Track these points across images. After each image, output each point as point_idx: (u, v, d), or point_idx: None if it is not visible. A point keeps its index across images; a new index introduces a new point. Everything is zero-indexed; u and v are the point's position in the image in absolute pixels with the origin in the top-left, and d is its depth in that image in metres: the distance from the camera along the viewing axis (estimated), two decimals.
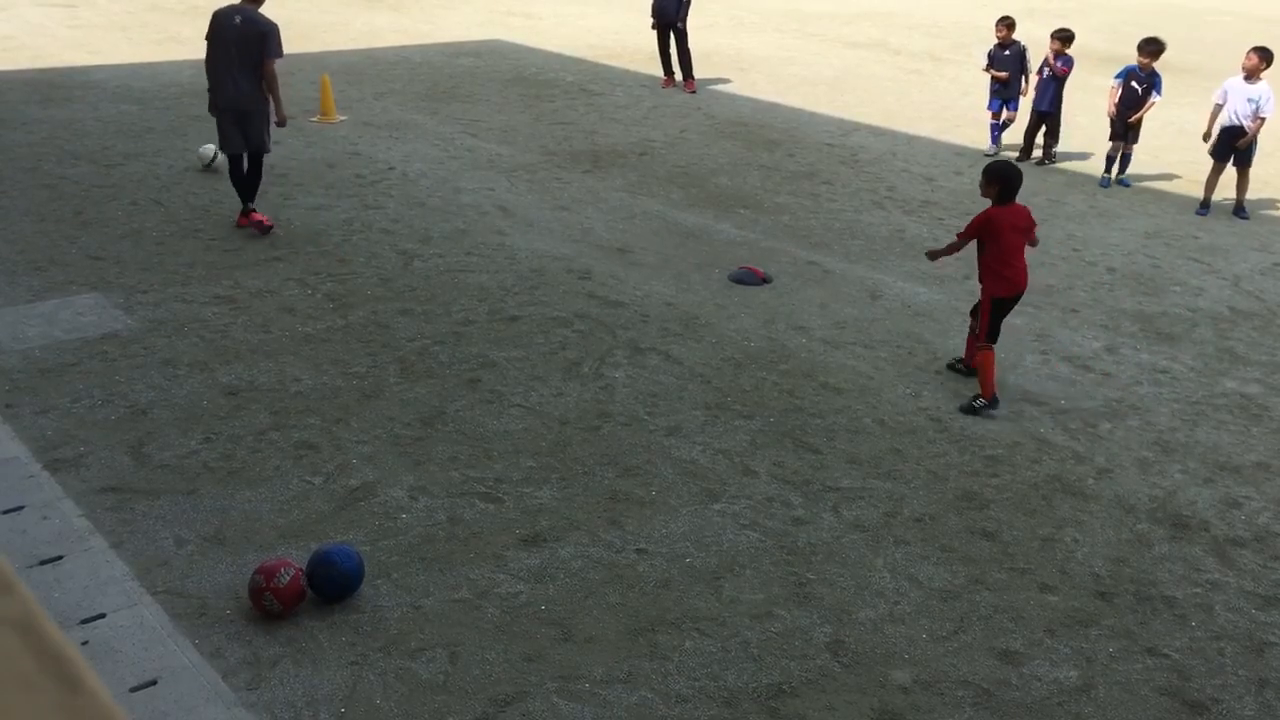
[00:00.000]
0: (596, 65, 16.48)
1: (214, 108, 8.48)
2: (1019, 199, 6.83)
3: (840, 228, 9.88)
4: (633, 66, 16.48)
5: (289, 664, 4.30)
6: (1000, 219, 6.73)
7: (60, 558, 4.78)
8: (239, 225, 8.92)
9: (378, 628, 4.54)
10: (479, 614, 4.64)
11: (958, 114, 14.43)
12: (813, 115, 14.11)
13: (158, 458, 5.67)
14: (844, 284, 8.56)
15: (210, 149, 10.12)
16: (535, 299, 7.91)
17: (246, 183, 8.75)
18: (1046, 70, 12.06)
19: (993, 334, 6.78)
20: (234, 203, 9.42)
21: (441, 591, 4.77)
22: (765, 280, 8.46)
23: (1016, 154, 12.65)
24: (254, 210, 8.89)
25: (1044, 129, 12.33)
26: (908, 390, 6.87)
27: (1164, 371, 7.40)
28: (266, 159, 8.96)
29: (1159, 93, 11.44)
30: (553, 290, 8.08)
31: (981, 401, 6.70)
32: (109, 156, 10.75)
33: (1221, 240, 10.18)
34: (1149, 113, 11.52)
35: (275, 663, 4.31)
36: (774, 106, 14.49)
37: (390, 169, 10.82)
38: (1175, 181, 11.86)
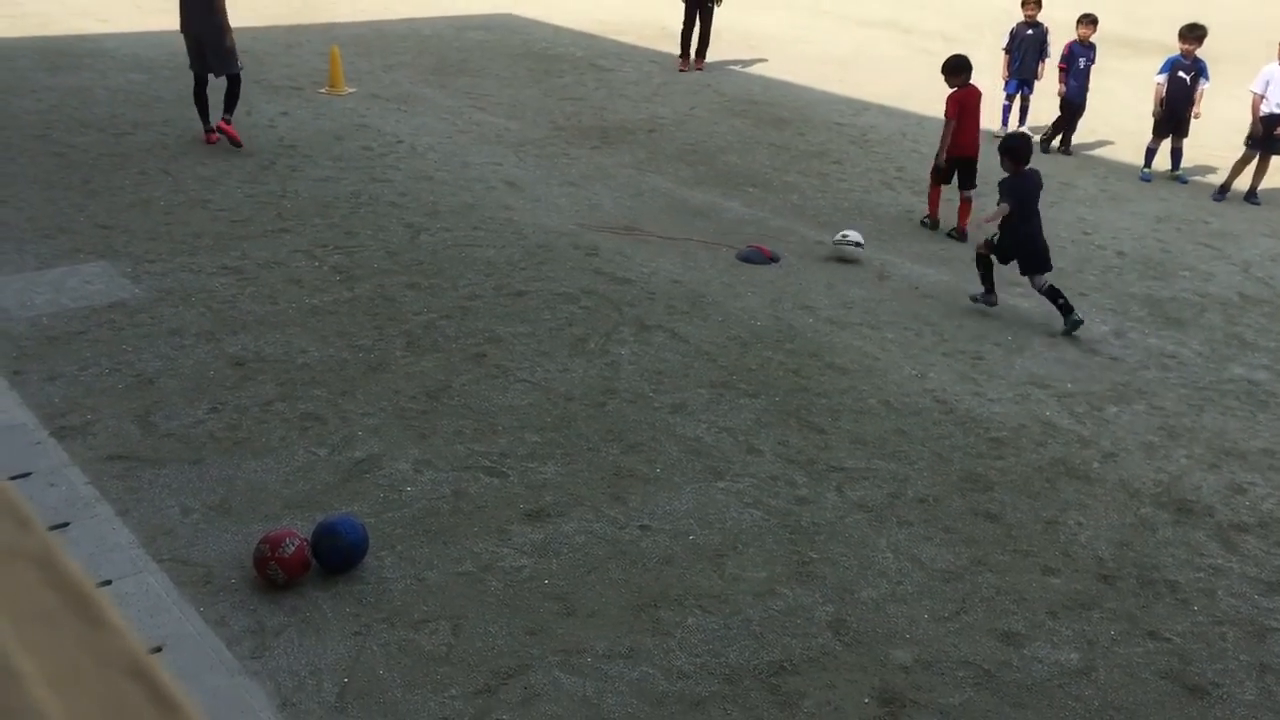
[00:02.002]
0: (606, 41, 16.40)
1: (185, 37, 9.96)
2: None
3: (849, 207, 9.85)
4: (642, 43, 16.41)
5: (293, 633, 4.33)
6: (969, 97, 9.27)
7: (67, 524, 4.80)
8: (208, 142, 10.18)
9: (381, 599, 4.55)
10: (482, 587, 4.66)
11: None
12: (823, 94, 14.04)
13: (164, 427, 5.68)
14: (851, 264, 8.53)
15: (852, 243, 8.53)
16: (542, 275, 7.90)
17: (226, 97, 10.08)
18: (1083, 61, 11.67)
19: (937, 176, 9.38)
20: (240, 175, 9.58)
21: (445, 564, 4.78)
22: (773, 259, 8.44)
23: (1038, 138, 12.56)
24: (228, 121, 10.11)
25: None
26: (914, 371, 6.86)
27: (1172, 356, 7.38)
28: (245, 82, 10.44)
29: (1207, 79, 11.10)
30: (559, 266, 8.07)
31: (926, 218, 9.47)
32: (118, 125, 10.73)
33: (1233, 226, 10.14)
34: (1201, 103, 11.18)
35: (279, 632, 4.33)
36: (784, 85, 14.41)
37: (398, 142, 10.79)
38: (1186, 165, 11.78)
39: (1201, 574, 5.14)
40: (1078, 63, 11.75)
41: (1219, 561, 5.24)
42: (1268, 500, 5.79)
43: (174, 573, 4.60)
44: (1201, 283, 8.72)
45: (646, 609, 4.61)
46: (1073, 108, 11.96)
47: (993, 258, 7.74)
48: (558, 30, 16.93)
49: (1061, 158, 11.96)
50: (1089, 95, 11.99)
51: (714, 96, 13.50)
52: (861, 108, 13.44)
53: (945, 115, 9.30)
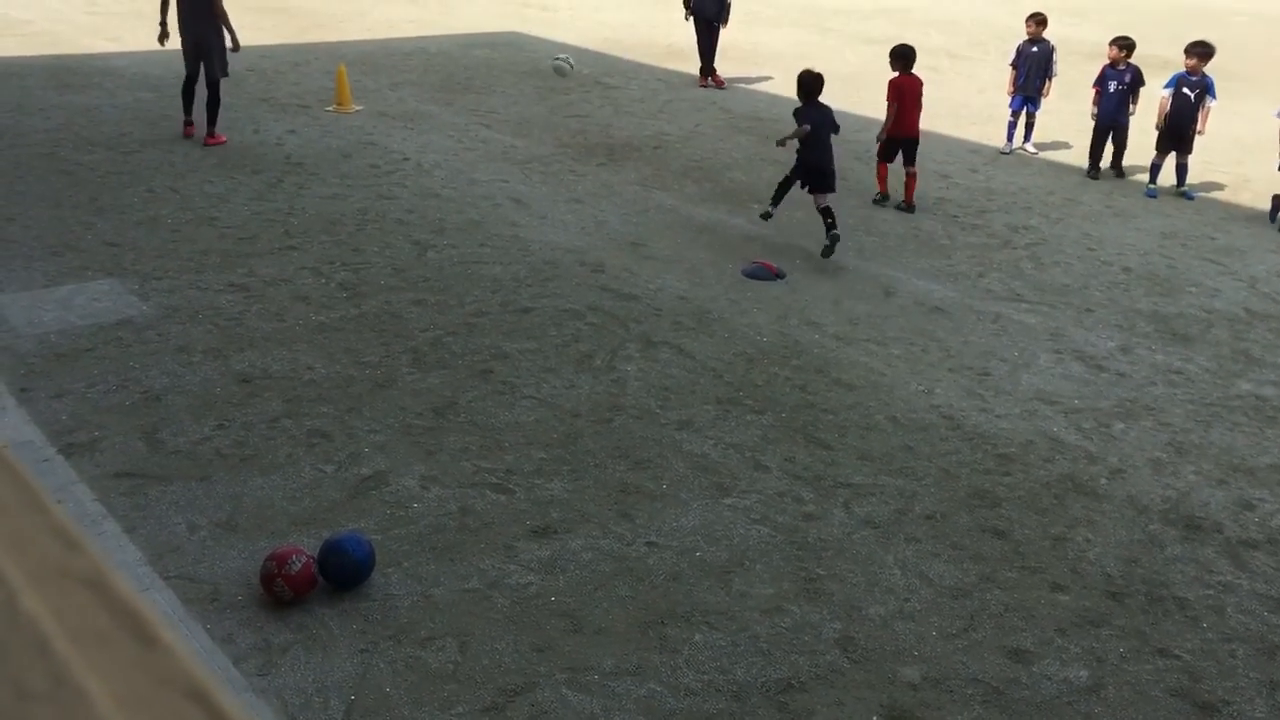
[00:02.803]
0: (612, 58, 16.47)
1: (183, 39, 10.59)
2: None
3: (854, 224, 9.86)
4: (648, 60, 16.47)
5: (300, 651, 4.32)
6: (907, 84, 10.15)
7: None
8: (185, 135, 10.96)
9: (388, 616, 4.55)
10: (489, 604, 4.66)
11: (973, 111, 14.38)
12: None
13: (171, 444, 5.69)
14: (857, 280, 8.54)
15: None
16: (548, 291, 7.92)
17: (208, 108, 10.69)
18: (1113, 85, 11.46)
19: (883, 154, 10.36)
20: (247, 193, 9.67)
21: (452, 581, 4.78)
22: (779, 275, 8.45)
23: (1033, 150, 12.58)
24: (212, 134, 10.85)
25: (1113, 141, 11.73)
26: (920, 387, 6.86)
27: (1179, 372, 7.37)
28: (225, 87, 11.06)
29: (1214, 96, 11.02)
30: (566, 283, 8.09)
31: (878, 195, 10.43)
32: (126, 143, 10.79)
33: (1239, 242, 10.14)
34: (1207, 121, 11.07)
35: (286, 649, 4.32)
36: (790, 102, 14.36)
37: (405, 159, 10.83)
38: (1191, 181, 11.78)
39: (1211, 591, 5.12)
40: (1108, 85, 11.54)
41: (1228, 578, 5.22)
42: (1277, 516, 5.77)
43: (181, 590, 4.60)
44: (1208, 299, 8.72)
45: (654, 626, 4.60)
46: (1101, 130, 11.67)
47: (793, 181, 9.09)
48: (564, 49, 17.00)
49: (1063, 174, 11.95)
50: (1130, 118, 11.65)
51: (719, 114, 13.54)
52: (866, 124, 13.44)
53: (887, 99, 10.24)
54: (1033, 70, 12.14)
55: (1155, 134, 11.30)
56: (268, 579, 4.51)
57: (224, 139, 10.92)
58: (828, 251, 8.70)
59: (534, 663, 4.34)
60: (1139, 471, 6.10)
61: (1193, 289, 8.91)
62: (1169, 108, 11.11)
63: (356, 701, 4.08)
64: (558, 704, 4.14)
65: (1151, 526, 5.59)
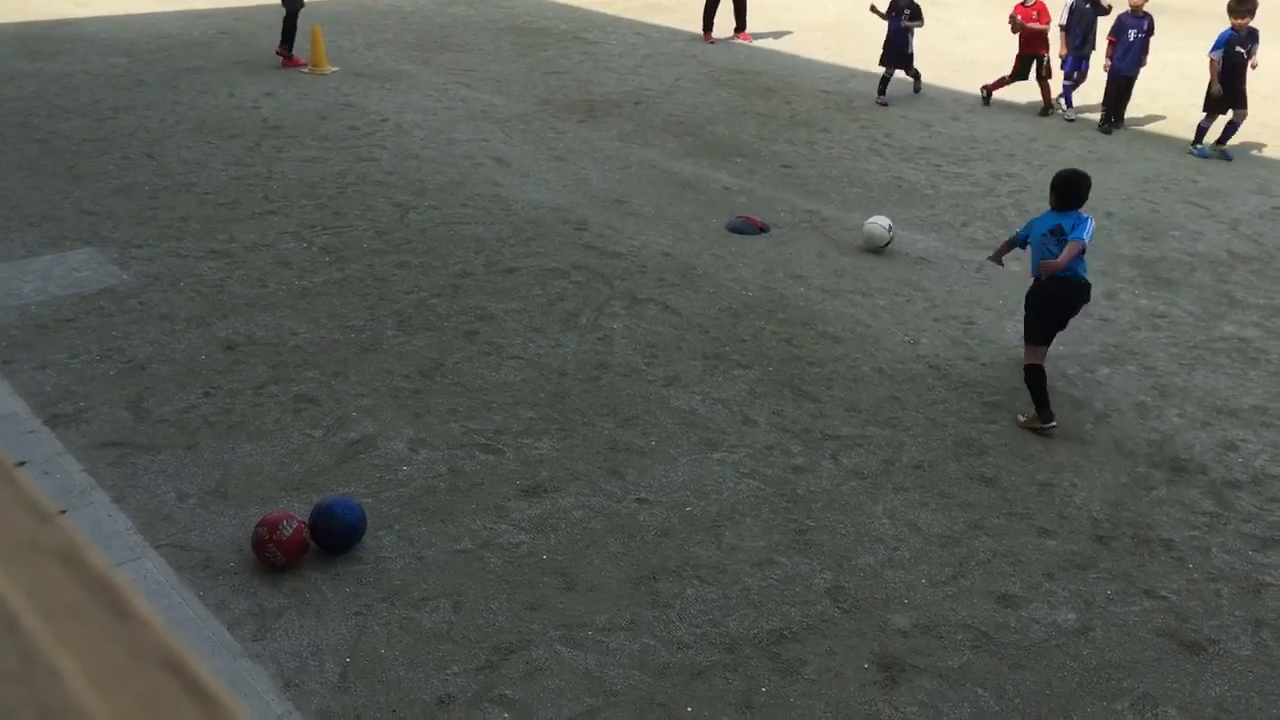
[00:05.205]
0: (590, 13, 16.29)
1: None
2: None
3: (838, 175, 9.83)
4: (626, 14, 16.30)
5: (294, 615, 4.34)
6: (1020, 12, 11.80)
7: (63, 512, 4.78)
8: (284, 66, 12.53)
9: (381, 578, 4.57)
10: (481, 564, 4.67)
11: (954, 59, 14.29)
12: (809, 62, 13.98)
13: (157, 412, 5.67)
14: (842, 232, 8.52)
15: (881, 232, 8.13)
16: (532, 250, 7.88)
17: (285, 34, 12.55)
18: (1133, 34, 11.18)
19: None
20: (225, 158, 9.62)
21: (444, 542, 4.79)
22: (763, 229, 8.42)
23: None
24: (291, 55, 12.51)
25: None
26: (906, 338, 6.87)
27: (1162, 316, 7.40)
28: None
29: (1257, 48, 10.75)
30: (549, 241, 8.05)
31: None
32: (99, 110, 10.65)
33: (1220, 184, 10.14)
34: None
35: (280, 614, 4.34)
36: (770, 53, 14.34)
37: (384, 120, 10.72)
38: (1174, 125, 11.76)
39: (1196, 532, 5.17)
40: (1126, 34, 11.25)
41: (1213, 519, 5.27)
42: (1260, 457, 5.82)
43: (172, 558, 4.60)
44: (1191, 242, 8.73)
45: (646, 581, 4.62)
46: (1121, 81, 11.45)
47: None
48: (541, 4, 16.81)
49: (1048, 120, 11.90)
50: (1141, 69, 11.43)
51: (699, 67, 13.43)
52: (848, 75, 13.38)
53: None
54: (1089, 30, 11.76)
55: (1209, 98, 10.74)
56: (259, 545, 4.51)
57: (299, 61, 12.53)
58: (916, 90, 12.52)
59: (528, 621, 4.37)
60: (1124, 416, 6.14)
61: (1175, 233, 8.92)
62: (1221, 69, 10.62)
63: (352, 664, 4.11)
64: (552, 661, 4.17)
65: (1137, 470, 5.63)
